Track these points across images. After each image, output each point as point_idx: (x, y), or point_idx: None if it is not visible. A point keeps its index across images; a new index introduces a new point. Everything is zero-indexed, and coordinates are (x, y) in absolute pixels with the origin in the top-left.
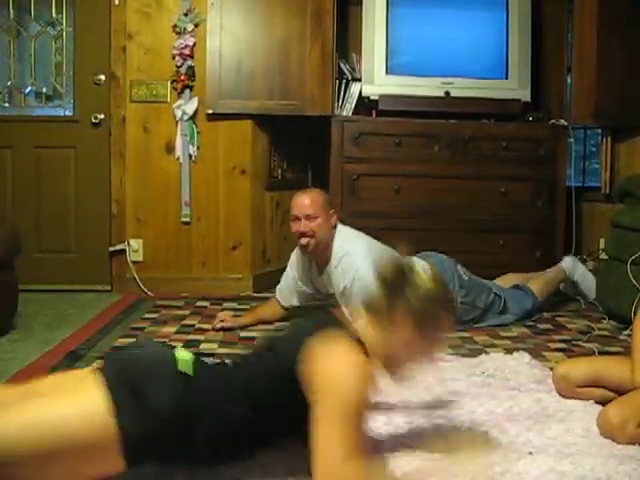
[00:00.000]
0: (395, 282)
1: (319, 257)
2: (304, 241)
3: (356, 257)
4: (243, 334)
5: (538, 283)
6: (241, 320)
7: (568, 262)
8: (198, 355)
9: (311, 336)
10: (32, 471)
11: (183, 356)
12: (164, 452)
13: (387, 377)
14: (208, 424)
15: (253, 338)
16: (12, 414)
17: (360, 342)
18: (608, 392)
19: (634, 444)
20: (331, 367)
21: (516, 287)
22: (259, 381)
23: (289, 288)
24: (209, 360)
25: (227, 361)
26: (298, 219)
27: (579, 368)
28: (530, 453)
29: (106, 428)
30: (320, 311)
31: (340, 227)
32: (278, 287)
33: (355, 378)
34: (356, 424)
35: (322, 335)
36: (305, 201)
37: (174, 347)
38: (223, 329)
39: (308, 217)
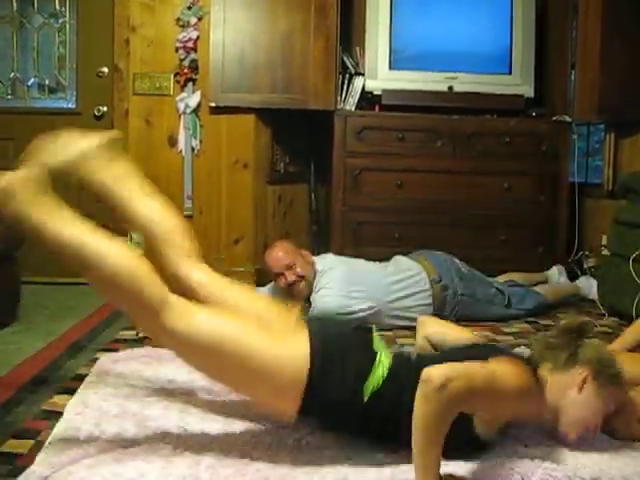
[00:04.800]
0: (578, 336)
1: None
2: (298, 289)
3: (326, 277)
4: None
5: (547, 289)
6: None
7: (583, 281)
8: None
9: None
10: (222, 373)
11: (382, 359)
12: (332, 418)
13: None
14: (384, 417)
15: None
16: (227, 324)
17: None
18: None
19: (634, 440)
20: (504, 366)
21: (517, 285)
22: None
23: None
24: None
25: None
26: (281, 274)
27: None
28: (526, 446)
29: (300, 376)
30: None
31: (317, 259)
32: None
33: (519, 381)
34: (486, 389)
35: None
36: (279, 254)
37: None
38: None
39: (288, 267)
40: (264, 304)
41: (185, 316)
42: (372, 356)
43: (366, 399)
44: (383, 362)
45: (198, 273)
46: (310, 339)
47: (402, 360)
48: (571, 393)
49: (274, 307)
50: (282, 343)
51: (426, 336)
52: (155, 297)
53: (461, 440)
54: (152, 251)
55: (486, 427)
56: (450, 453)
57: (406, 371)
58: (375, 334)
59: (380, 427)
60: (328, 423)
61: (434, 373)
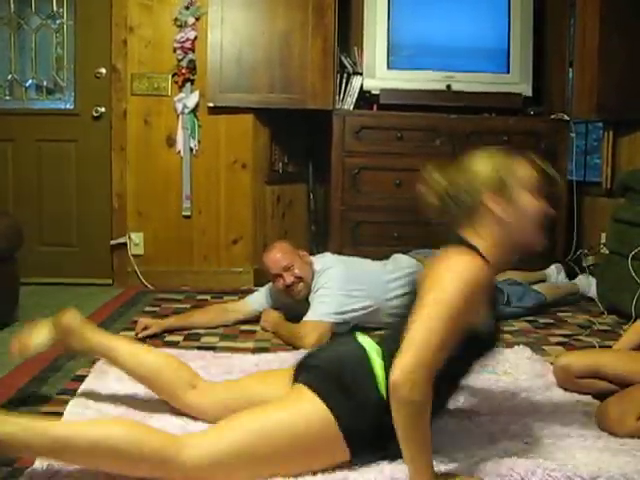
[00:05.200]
0: (458, 184)
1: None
2: (296, 290)
3: (324, 277)
4: (244, 327)
5: (546, 288)
6: (165, 323)
7: (582, 280)
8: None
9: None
10: (269, 467)
11: (374, 358)
12: (383, 440)
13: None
14: None
15: (254, 332)
16: (241, 424)
17: (476, 250)
18: (608, 384)
19: (633, 437)
20: (440, 267)
21: (516, 284)
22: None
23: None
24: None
25: None
26: (279, 275)
27: (580, 360)
28: (526, 443)
29: (330, 429)
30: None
31: (315, 259)
32: (247, 298)
33: (461, 278)
34: (449, 327)
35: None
36: (276, 255)
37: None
38: (147, 336)
39: (286, 268)
40: (253, 385)
41: (202, 444)
42: (363, 355)
43: (385, 396)
44: (372, 353)
45: (201, 397)
46: (313, 389)
47: (385, 339)
48: (497, 230)
49: (265, 380)
50: (295, 408)
51: None
52: (163, 445)
53: (477, 348)
54: (161, 393)
55: (479, 322)
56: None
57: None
58: (356, 333)
59: None
60: (379, 445)
61: (396, 379)
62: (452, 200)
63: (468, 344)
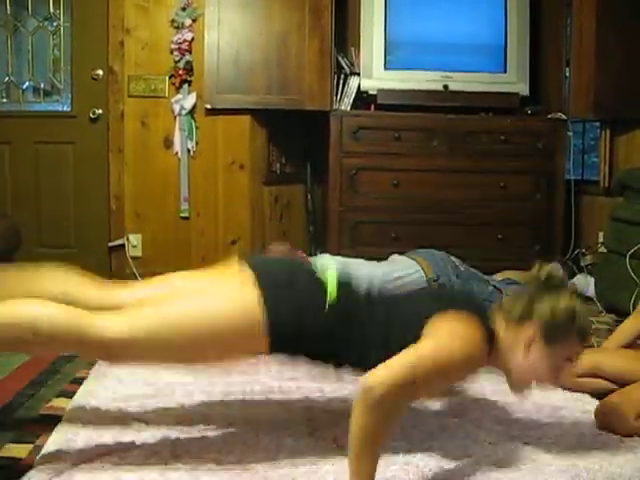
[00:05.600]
0: (541, 289)
1: None
2: None
3: None
4: None
5: None
6: None
7: (580, 279)
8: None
9: (449, 309)
10: (191, 353)
11: (330, 283)
12: (303, 349)
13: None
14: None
15: None
16: (176, 305)
17: (491, 333)
18: (607, 383)
19: (632, 436)
20: (448, 324)
21: (514, 283)
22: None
23: None
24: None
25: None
26: None
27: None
28: (526, 443)
29: (257, 319)
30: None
31: (313, 260)
32: None
33: (463, 344)
34: (430, 375)
35: (460, 312)
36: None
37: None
38: None
39: None
40: (205, 275)
41: (122, 319)
42: (318, 275)
43: (327, 308)
44: (331, 275)
45: (127, 292)
46: (255, 276)
47: (348, 282)
48: (518, 354)
49: (214, 271)
50: (228, 291)
51: None
52: (81, 316)
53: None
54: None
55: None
56: None
57: (356, 295)
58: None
59: (343, 345)
60: (299, 352)
61: (373, 382)
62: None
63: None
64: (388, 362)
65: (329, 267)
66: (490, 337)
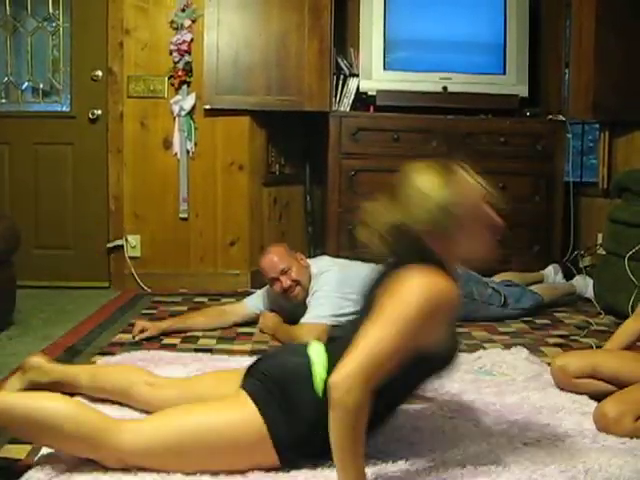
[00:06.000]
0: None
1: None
2: (293, 293)
3: (321, 280)
4: (241, 330)
5: (543, 289)
6: (162, 325)
7: (579, 280)
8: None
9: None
10: (196, 463)
11: (319, 370)
12: (314, 450)
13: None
14: None
15: (251, 334)
16: (179, 416)
17: (442, 267)
18: (605, 384)
19: (630, 438)
20: (404, 280)
21: (513, 285)
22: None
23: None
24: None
25: None
26: (276, 279)
27: (577, 360)
28: (525, 444)
29: (258, 434)
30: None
31: (312, 262)
32: (245, 300)
33: (423, 294)
34: (399, 342)
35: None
36: (273, 259)
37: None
38: (144, 339)
39: (283, 272)
40: (205, 384)
41: (138, 430)
42: (308, 366)
43: (320, 411)
44: (316, 361)
45: (153, 393)
46: (249, 394)
47: (335, 345)
48: (450, 244)
49: (217, 382)
50: (230, 411)
51: None
52: (100, 426)
53: (428, 369)
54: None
55: (436, 346)
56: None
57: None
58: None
59: None
60: (311, 454)
61: (334, 380)
62: (407, 229)
63: (419, 364)
64: (345, 356)
65: (320, 360)
66: (439, 266)
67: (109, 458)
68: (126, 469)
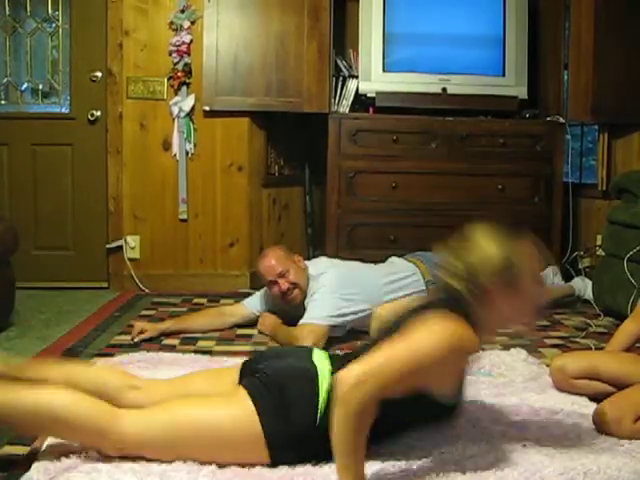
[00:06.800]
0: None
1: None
2: (292, 296)
3: (320, 281)
4: (240, 331)
5: None
6: (161, 327)
7: (578, 282)
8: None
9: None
10: (193, 452)
11: (324, 376)
12: (305, 454)
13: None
14: None
15: (250, 335)
16: (174, 409)
17: (470, 319)
18: (604, 386)
19: (629, 439)
20: (434, 318)
21: None
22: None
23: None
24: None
25: None
26: (274, 282)
27: (576, 360)
28: (524, 445)
29: (254, 432)
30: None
31: (310, 263)
32: (244, 301)
33: (449, 336)
34: (412, 368)
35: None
36: (271, 262)
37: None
38: (143, 340)
39: (281, 275)
40: (200, 382)
41: (136, 419)
42: (314, 374)
43: (319, 420)
44: (325, 375)
45: (143, 396)
46: (248, 392)
47: (341, 360)
48: (493, 314)
49: (210, 379)
50: (227, 406)
51: (378, 317)
52: (100, 415)
53: (427, 412)
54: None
55: (442, 392)
56: (419, 425)
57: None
58: (315, 351)
59: None
60: (302, 457)
61: (345, 375)
62: (469, 280)
63: (419, 400)
64: (358, 360)
65: (325, 371)
66: (472, 321)
67: (110, 447)
68: (126, 469)
